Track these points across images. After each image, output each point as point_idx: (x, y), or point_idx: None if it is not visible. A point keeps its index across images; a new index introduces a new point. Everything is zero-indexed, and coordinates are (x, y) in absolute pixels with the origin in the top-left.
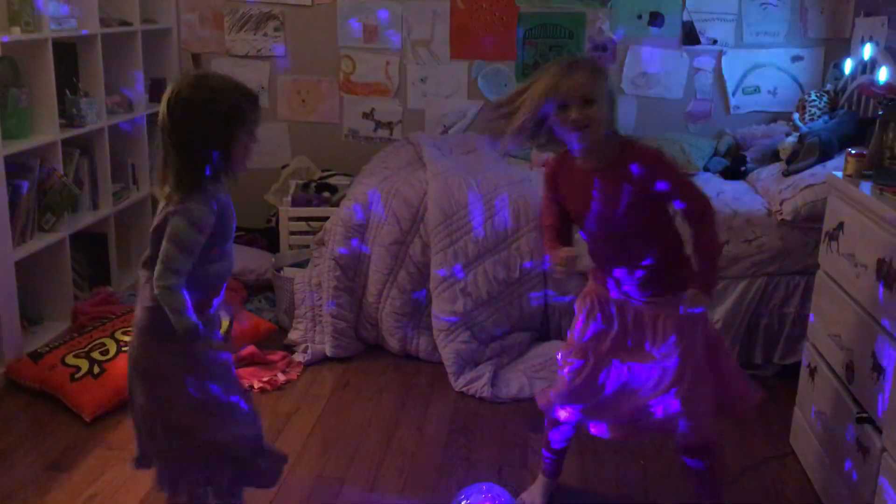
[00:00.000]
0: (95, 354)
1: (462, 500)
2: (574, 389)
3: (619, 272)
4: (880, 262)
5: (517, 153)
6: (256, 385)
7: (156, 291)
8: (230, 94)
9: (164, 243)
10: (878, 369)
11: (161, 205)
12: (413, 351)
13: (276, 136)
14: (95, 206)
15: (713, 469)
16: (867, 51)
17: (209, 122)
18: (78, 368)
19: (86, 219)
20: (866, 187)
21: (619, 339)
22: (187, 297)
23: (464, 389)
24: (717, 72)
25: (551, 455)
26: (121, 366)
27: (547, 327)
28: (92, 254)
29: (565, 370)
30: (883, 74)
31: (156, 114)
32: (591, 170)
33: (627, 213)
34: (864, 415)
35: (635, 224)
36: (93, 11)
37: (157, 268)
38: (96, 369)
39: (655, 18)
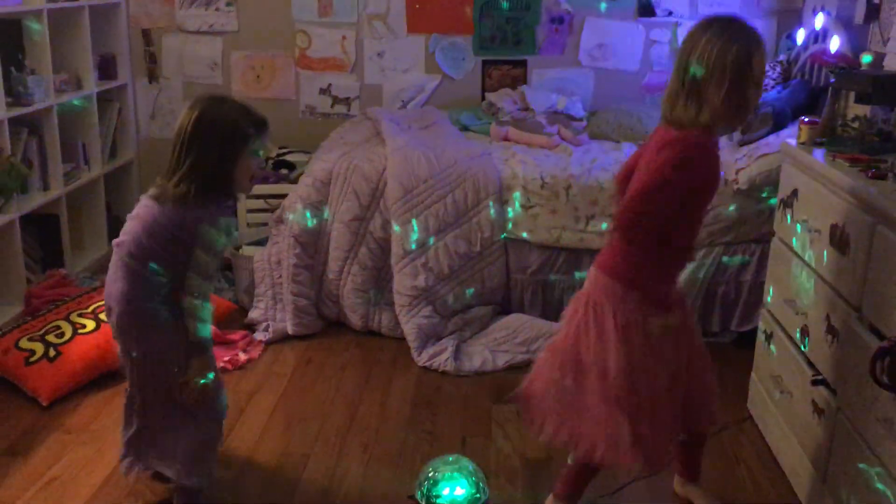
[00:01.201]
0: (51, 338)
1: (430, 472)
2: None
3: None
4: (833, 227)
5: (476, 127)
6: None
7: (191, 301)
8: (241, 119)
9: (198, 253)
10: (833, 332)
11: (144, 198)
12: (375, 327)
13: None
14: (46, 187)
15: None
16: (819, 20)
17: (220, 142)
18: (32, 352)
19: (36, 200)
20: (819, 154)
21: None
22: None
23: (427, 364)
24: (673, 44)
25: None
26: (77, 349)
27: (509, 300)
28: (44, 236)
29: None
30: (834, 44)
31: (106, 91)
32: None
33: None
34: (820, 377)
35: None
36: None
37: (194, 278)
38: (52, 353)
39: None
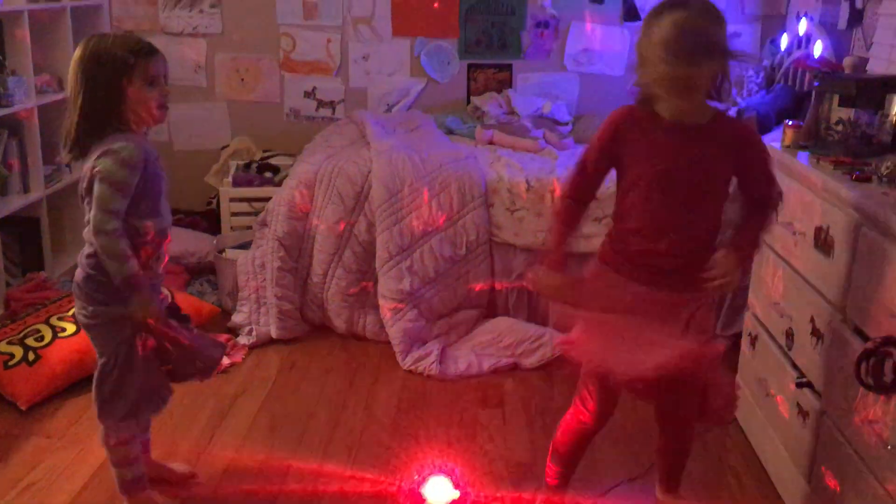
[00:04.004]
0: (30, 341)
1: (415, 476)
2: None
3: (666, 251)
4: (818, 229)
5: (461, 130)
6: None
7: (95, 240)
8: (115, 50)
9: (95, 187)
10: (817, 334)
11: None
12: (359, 331)
13: (215, 116)
14: (26, 190)
15: None
16: (802, 26)
17: (97, 78)
18: (11, 356)
19: (16, 202)
20: (804, 157)
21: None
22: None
23: (412, 368)
24: None
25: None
26: (57, 353)
27: (494, 304)
28: (24, 239)
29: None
30: (818, 48)
31: None
32: (677, 126)
33: (707, 179)
34: (804, 379)
35: (706, 193)
36: None
37: (94, 214)
38: (31, 356)
39: None
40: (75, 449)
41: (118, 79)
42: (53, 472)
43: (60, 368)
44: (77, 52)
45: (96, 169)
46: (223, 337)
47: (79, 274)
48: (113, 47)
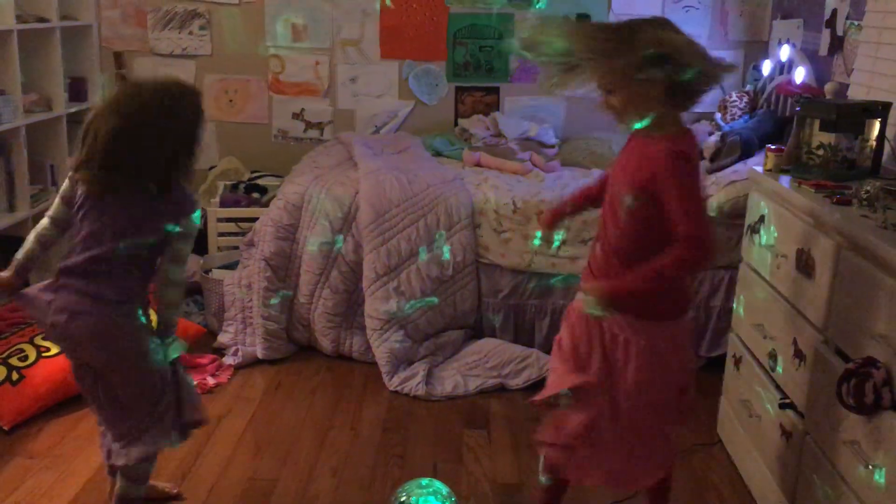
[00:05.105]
0: (14, 360)
1: (402, 496)
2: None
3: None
4: (799, 252)
5: (449, 152)
6: None
7: (174, 289)
8: (193, 97)
9: (180, 244)
10: (800, 355)
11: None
12: (346, 351)
13: (203, 137)
14: (12, 209)
15: None
16: (784, 52)
17: (181, 124)
18: None
19: (2, 221)
20: (785, 181)
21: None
22: None
23: (398, 388)
24: None
25: None
26: (41, 372)
27: (480, 325)
28: (8, 257)
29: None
30: (799, 74)
31: (76, 113)
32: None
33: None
34: (787, 400)
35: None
36: (8, 6)
37: (177, 268)
38: (15, 376)
39: (582, 20)
40: (58, 470)
41: (199, 122)
42: (36, 493)
43: (44, 388)
44: (147, 97)
45: (185, 226)
46: (209, 357)
47: None
48: (195, 98)
